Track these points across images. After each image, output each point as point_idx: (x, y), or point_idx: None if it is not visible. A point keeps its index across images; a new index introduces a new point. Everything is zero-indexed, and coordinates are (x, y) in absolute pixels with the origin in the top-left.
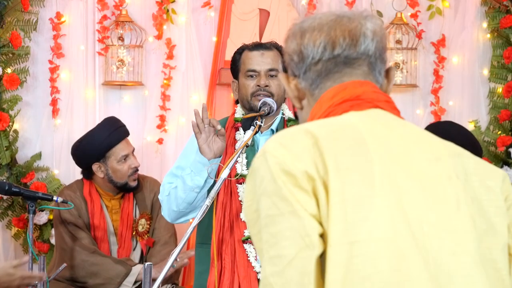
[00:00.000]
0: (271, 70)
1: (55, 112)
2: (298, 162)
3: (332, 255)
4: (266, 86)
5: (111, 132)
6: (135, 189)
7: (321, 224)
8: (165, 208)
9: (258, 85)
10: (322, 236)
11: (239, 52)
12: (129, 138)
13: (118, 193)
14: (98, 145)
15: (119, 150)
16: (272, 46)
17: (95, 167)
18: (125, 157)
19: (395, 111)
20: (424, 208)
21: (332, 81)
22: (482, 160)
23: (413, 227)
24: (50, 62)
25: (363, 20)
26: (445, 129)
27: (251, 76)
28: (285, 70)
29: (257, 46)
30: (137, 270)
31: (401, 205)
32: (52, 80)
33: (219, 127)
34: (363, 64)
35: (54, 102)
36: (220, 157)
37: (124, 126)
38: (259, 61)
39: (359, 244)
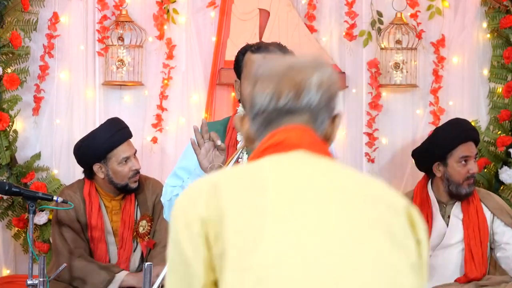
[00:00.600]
0: None
1: (35, 110)
2: (195, 208)
3: (225, 283)
4: None
5: (113, 134)
6: (136, 190)
7: (214, 268)
8: (166, 211)
9: None
10: (215, 281)
11: (243, 52)
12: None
13: (119, 194)
14: (100, 146)
15: (120, 152)
16: (275, 48)
17: (96, 167)
18: (126, 159)
19: (322, 152)
20: (321, 235)
21: (271, 127)
22: (389, 187)
23: (306, 253)
24: (42, 60)
25: (311, 71)
26: (467, 122)
27: None
28: None
29: (260, 49)
30: (120, 277)
31: (296, 233)
32: (40, 77)
33: (219, 142)
34: (305, 114)
35: (37, 100)
36: (220, 167)
37: (127, 127)
38: None
39: (249, 271)
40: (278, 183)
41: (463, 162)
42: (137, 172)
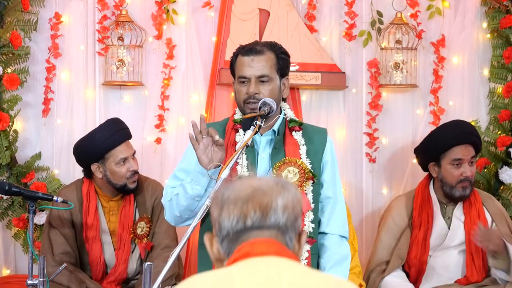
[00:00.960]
0: (261, 76)
1: (46, 112)
2: None
3: None
4: (256, 93)
5: (112, 134)
6: (135, 191)
7: None
8: (167, 212)
9: (248, 93)
10: None
11: (235, 54)
12: None
13: (117, 194)
14: (98, 145)
15: (118, 152)
16: (265, 48)
17: (94, 167)
18: (124, 159)
19: (289, 258)
20: None
21: (239, 243)
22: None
23: None
24: (47, 61)
25: (275, 194)
26: (468, 124)
27: (243, 82)
28: (282, 70)
29: (249, 51)
30: None
31: None
32: (47, 79)
33: (217, 137)
34: (273, 230)
35: (46, 102)
36: (219, 166)
37: (126, 128)
38: (249, 68)
39: None
40: (244, 284)
41: (456, 164)
42: (135, 172)
